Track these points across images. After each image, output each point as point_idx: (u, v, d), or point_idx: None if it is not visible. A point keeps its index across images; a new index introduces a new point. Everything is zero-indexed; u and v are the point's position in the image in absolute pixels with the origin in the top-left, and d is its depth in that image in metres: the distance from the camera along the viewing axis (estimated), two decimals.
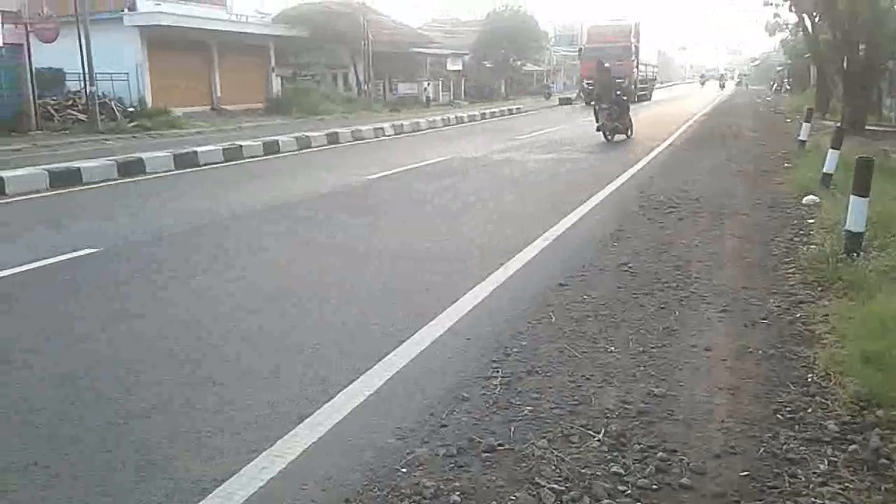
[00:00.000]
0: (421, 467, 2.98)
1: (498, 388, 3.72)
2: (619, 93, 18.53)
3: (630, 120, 18.33)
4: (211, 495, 2.82)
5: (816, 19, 23.38)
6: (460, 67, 49.02)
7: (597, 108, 17.97)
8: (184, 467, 3.03)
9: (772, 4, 28.91)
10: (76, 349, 4.43)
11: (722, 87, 70.34)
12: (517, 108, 35.89)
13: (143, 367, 4.13)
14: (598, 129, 17.69)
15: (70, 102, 23.85)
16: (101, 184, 11.76)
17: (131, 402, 3.66)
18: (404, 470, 2.96)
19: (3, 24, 20.35)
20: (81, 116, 22.77)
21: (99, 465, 3.06)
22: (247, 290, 5.65)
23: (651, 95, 47.31)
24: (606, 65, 19.32)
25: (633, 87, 37.91)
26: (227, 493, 2.82)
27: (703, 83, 79.89)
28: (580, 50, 42.55)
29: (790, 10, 27.01)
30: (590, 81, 36.92)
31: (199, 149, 14.71)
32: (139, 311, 5.15)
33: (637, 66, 41.17)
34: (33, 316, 5.17)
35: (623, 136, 17.89)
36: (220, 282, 5.92)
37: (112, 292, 5.71)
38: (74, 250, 6.84)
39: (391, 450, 3.12)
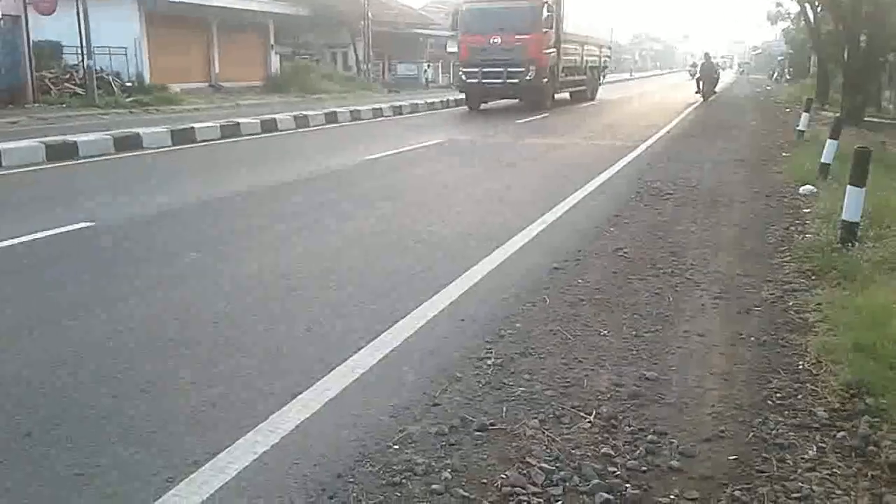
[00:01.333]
0: (413, 445, 3.00)
1: (491, 369, 3.74)
2: (716, 75, 30.30)
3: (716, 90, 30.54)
4: (203, 468, 2.83)
5: (818, 9, 23.33)
6: None
7: (700, 82, 29.88)
8: (176, 441, 3.05)
9: None
10: (67, 324, 4.43)
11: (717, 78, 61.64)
12: None
13: (134, 344, 4.13)
14: (696, 93, 29.57)
15: (67, 76, 23.66)
16: (98, 158, 11.70)
17: (124, 378, 3.67)
18: (396, 447, 2.98)
19: None
20: (79, 90, 22.60)
21: (92, 438, 3.07)
22: (242, 270, 5.65)
23: (595, 93, 30.29)
24: (711, 56, 30.73)
25: (544, 80, 22.57)
26: (220, 467, 2.84)
27: (694, 75, 66.19)
28: (454, 14, 24.20)
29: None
30: (471, 70, 22.38)
31: (196, 125, 14.64)
32: (133, 287, 5.14)
33: (558, 45, 23.72)
34: (24, 289, 5.17)
35: (713, 97, 29.73)
36: (215, 261, 5.91)
37: (107, 268, 5.70)
38: (69, 224, 6.82)
39: (383, 427, 3.14)
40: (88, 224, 6.89)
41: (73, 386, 3.56)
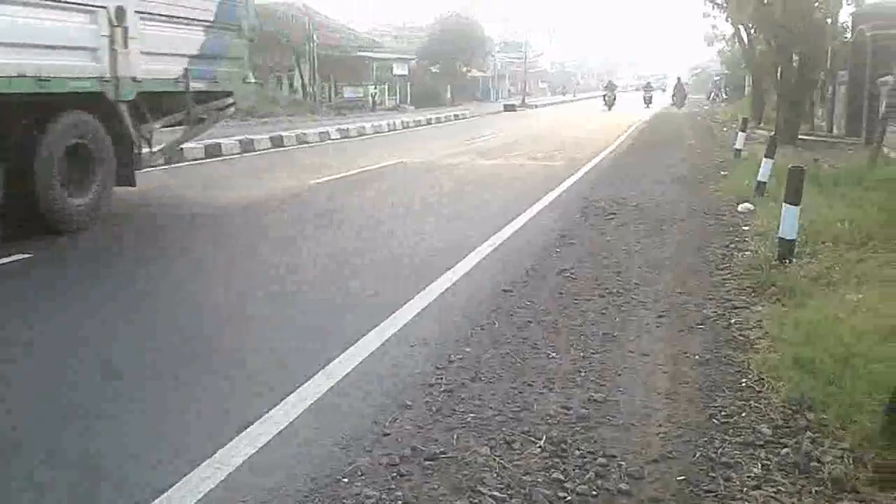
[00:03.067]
0: (363, 477, 2.97)
1: (441, 396, 3.73)
2: (685, 92, 42.92)
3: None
4: None
5: (752, 31, 24.06)
6: (406, 72, 49.02)
7: (674, 97, 42.18)
8: (120, 480, 2.96)
9: (710, 16, 29.67)
10: (11, 357, 4.28)
11: (648, 103, 44.26)
12: (462, 114, 36.02)
13: (79, 373, 4.02)
14: (671, 104, 41.68)
15: None
16: None
17: (68, 413, 3.56)
18: (346, 480, 2.95)
19: None
20: None
21: (35, 474, 2.98)
22: (182, 298, 5.56)
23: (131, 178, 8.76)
24: (683, 82, 44.25)
25: None
26: None
27: (609, 102, 43.06)
28: None
29: (727, 21, 27.77)
30: None
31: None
32: (74, 318, 5.02)
33: None
34: None
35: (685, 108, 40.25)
36: (156, 289, 5.80)
37: (47, 299, 5.53)
38: (4, 256, 6.60)
39: (333, 459, 3.10)
40: (27, 256, 6.68)
41: (17, 422, 3.44)
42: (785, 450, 3.16)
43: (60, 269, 6.47)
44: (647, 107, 43.01)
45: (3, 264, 6.31)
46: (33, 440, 3.29)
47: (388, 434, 3.33)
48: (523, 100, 51.58)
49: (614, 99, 43.57)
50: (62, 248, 7.10)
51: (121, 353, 4.38)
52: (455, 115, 34.70)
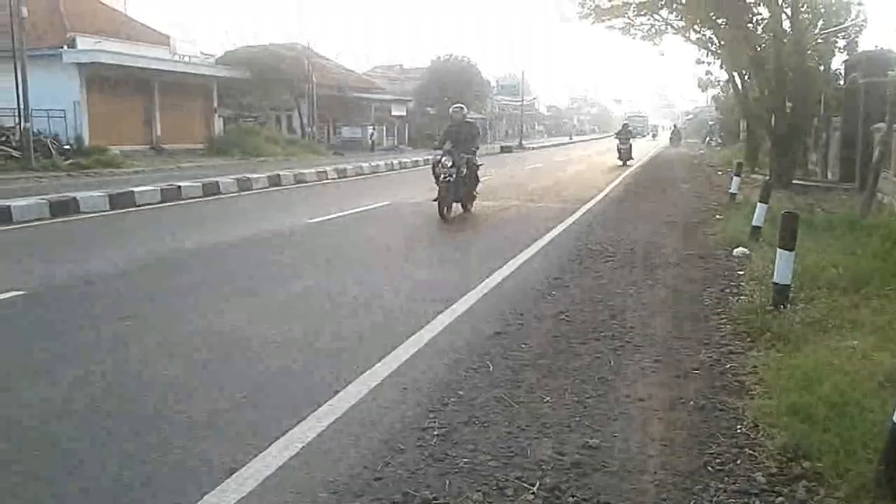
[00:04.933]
0: None
1: (434, 440, 3.70)
2: (679, 136, 44.14)
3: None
4: None
5: (746, 77, 24.39)
6: (404, 113, 49.50)
7: (671, 139, 46.49)
8: None
9: (704, 62, 30.11)
10: None
11: (625, 158, 30.24)
12: None
13: (65, 416, 3.98)
14: (668, 146, 39.82)
15: (3, 139, 23.16)
16: (32, 223, 11.41)
17: (53, 455, 3.52)
18: None
19: None
20: (15, 153, 22.12)
21: None
22: (176, 338, 5.52)
23: None
24: (680, 127, 48.32)
25: None
26: None
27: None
28: None
29: (721, 68, 28.17)
30: None
31: (135, 189, 14.45)
32: (64, 356, 4.97)
33: None
34: None
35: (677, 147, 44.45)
36: (149, 329, 5.76)
37: (35, 338, 5.50)
38: None
39: None
40: (18, 293, 6.66)
41: (3, 468, 3.40)
42: (780, 499, 3.13)
43: None
44: (624, 164, 29.76)
45: None
46: None
47: (379, 478, 3.28)
48: (520, 142, 52.02)
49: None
50: None
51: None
52: None
